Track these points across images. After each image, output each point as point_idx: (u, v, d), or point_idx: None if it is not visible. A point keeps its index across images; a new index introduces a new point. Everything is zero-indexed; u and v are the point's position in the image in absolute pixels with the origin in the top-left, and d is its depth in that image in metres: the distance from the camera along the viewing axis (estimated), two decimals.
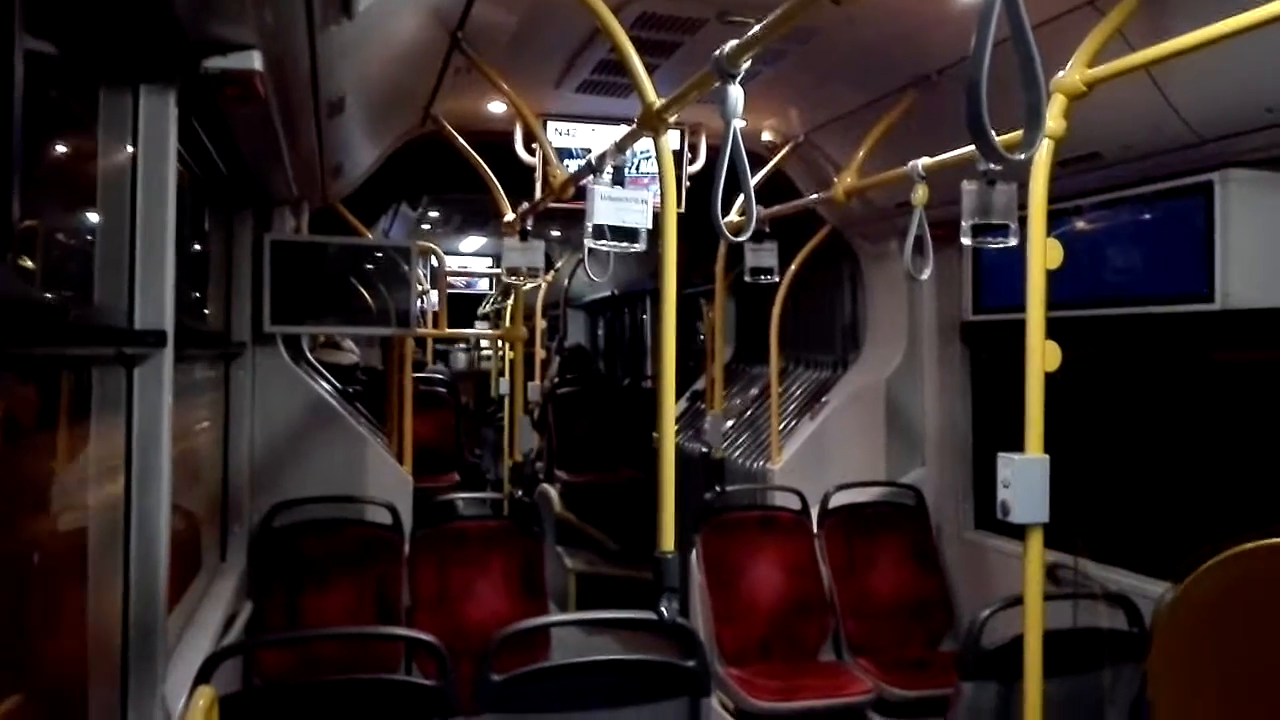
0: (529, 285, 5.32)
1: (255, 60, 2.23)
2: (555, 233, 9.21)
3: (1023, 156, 1.26)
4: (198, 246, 3.69)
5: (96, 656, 2.20)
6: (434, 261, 7.18)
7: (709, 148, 5.00)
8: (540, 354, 10.37)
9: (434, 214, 9.58)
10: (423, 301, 9.01)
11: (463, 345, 15.16)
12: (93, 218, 2.19)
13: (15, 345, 1.58)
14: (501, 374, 8.27)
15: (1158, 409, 3.96)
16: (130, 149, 2.19)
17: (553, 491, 7.94)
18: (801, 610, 4.65)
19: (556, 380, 9.91)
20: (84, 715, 2.16)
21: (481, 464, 10.46)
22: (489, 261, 12.02)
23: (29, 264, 1.87)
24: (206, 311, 4.00)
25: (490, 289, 12.39)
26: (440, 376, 10.12)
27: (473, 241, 11.63)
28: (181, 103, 2.28)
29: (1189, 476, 3.75)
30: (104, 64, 2.14)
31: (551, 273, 10.90)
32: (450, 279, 10.84)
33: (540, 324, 10.36)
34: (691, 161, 5.01)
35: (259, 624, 3.99)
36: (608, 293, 10.58)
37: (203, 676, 2.48)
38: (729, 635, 4.50)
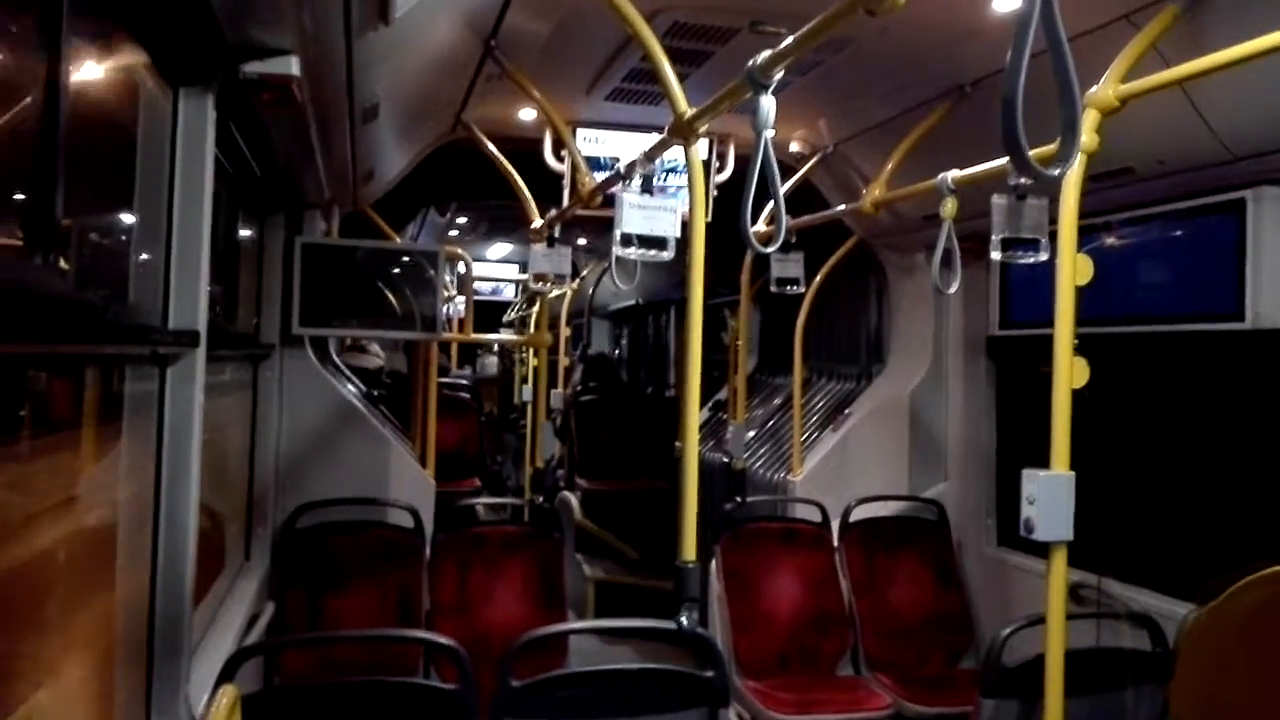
0: (555, 292, 5.34)
1: (293, 65, 2.26)
2: (582, 241, 9.23)
3: (1057, 172, 1.25)
4: (230, 248, 3.73)
5: (123, 652, 2.23)
6: (461, 268, 7.21)
7: (737, 157, 5.00)
8: (564, 361, 10.39)
9: (461, 220, 9.62)
10: (449, 307, 9.05)
11: (493, 350, 15.17)
12: (128, 218, 2.22)
13: (55, 342, 1.61)
14: (525, 380, 8.30)
15: (1185, 428, 3.92)
16: (168, 151, 2.22)
17: (573, 499, 7.95)
18: (821, 624, 4.63)
19: (580, 388, 9.92)
20: (109, 711, 2.18)
21: (503, 470, 10.48)
22: (515, 269, 12.06)
23: (64, 264, 1.90)
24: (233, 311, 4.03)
25: (516, 295, 12.42)
26: (464, 382, 10.16)
27: (499, 249, 11.67)
28: (219, 106, 2.31)
29: (1214, 497, 3.71)
30: (144, 66, 2.17)
31: (576, 281, 10.93)
32: (476, 285, 10.89)
33: (565, 332, 10.38)
34: (719, 171, 5.01)
35: (281, 624, 4.02)
36: (632, 302, 10.59)
37: (226, 675, 2.50)
38: (747, 647, 4.49)
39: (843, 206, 4.67)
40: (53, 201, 1.24)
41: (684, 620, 2.63)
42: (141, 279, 2.21)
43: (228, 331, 3.63)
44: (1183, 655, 0.95)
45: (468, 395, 9.09)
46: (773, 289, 4.84)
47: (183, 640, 2.30)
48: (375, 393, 6.20)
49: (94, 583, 2.17)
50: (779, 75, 2.13)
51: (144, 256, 2.23)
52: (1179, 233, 3.50)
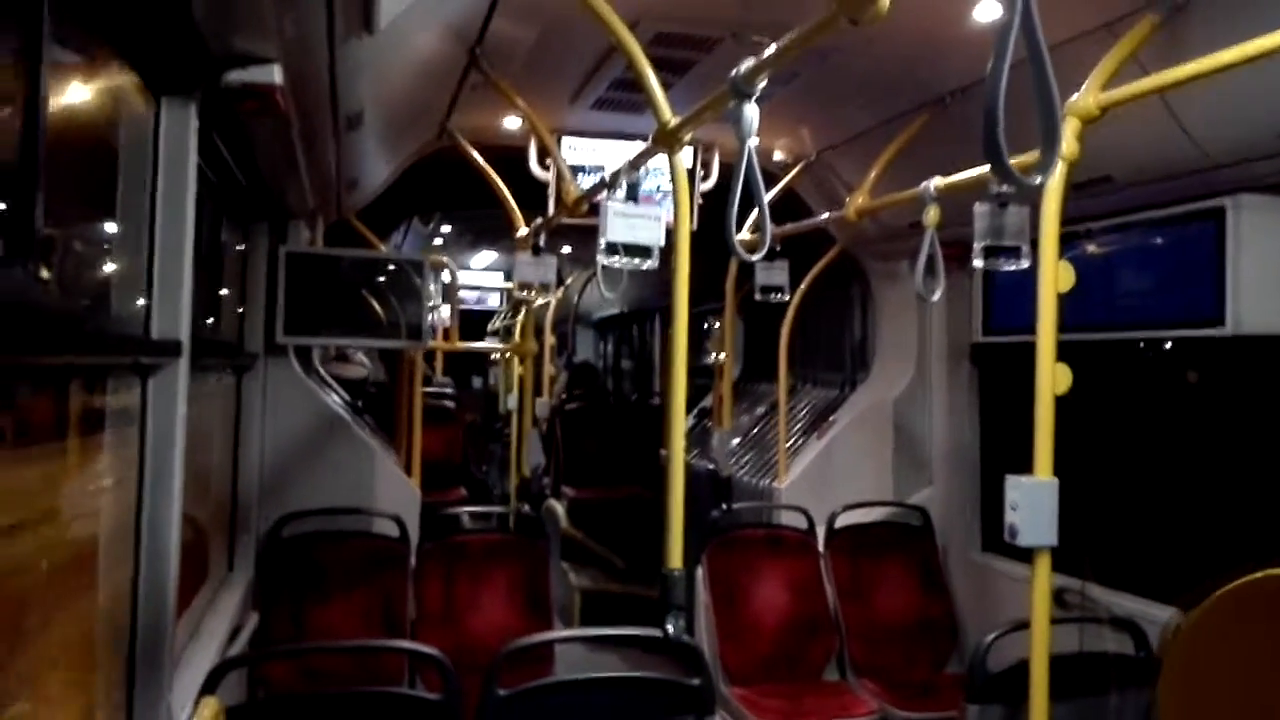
0: (540, 301, 5.33)
1: (275, 74, 2.25)
2: (567, 249, 9.24)
3: (1038, 180, 1.26)
4: (214, 258, 3.72)
5: (104, 665, 2.21)
6: (445, 277, 7.20)
7: (722, 165, 5.02)
8: (550, 370, 10.38)
9: (446, 229, 9.63)
10: (433, 316, 9.04)
11: (482, 369, 14.99)
12: (111, 228, 2.21)
13: (33, 353, 1.60)
14: (510, 390, 8.29)
15: (1168, 434, 3.95)
16: (150, 160, 2.21)
17: (559, 507, 7.93)
18: (807, 630, 4.64)
19: (565, 396, 9.91)
20: None
21: (489, 479, 10.45)
22: (500, 277, 12.06)
23: (44, 274, 1.89)
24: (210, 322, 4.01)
25: (501, 304, 12.41)
26: (449, 392, 10.13)
27: (484, 257, 11.67)
28: (202, 115, 2.30)
29: (1197, 502, 3.74)
30: (126, 76, 2.16)
31: (561, 289, 10.93)
32: (461, 294, 10.86)
33: (550, 340, 10.37)
34: (704, 179, 5.02)
35: (265, 635, 3.99)
36: (617, 310, 10.60)
37: (208, 687, 2.48)
38: (733, 654, 4.49)
39: (826, 215, 4.69)
40: (32, 211, 1.23)
41: (670, 628, 2.63)
42: (124, 289, 2.20)
43: (211, 341, 3.61)
44: (1166, 661, 0.96)
45: (452, 404, 9.07)
46: (757, 297, 4.85)
47: (164, 652, 2.28)
48: (360, 402, 6.18)
49: (75, 595, 2.15)
50: (762, 84, 2.14)
51: (126, 266, 2.22)
52: (1160, 240, 3.53)
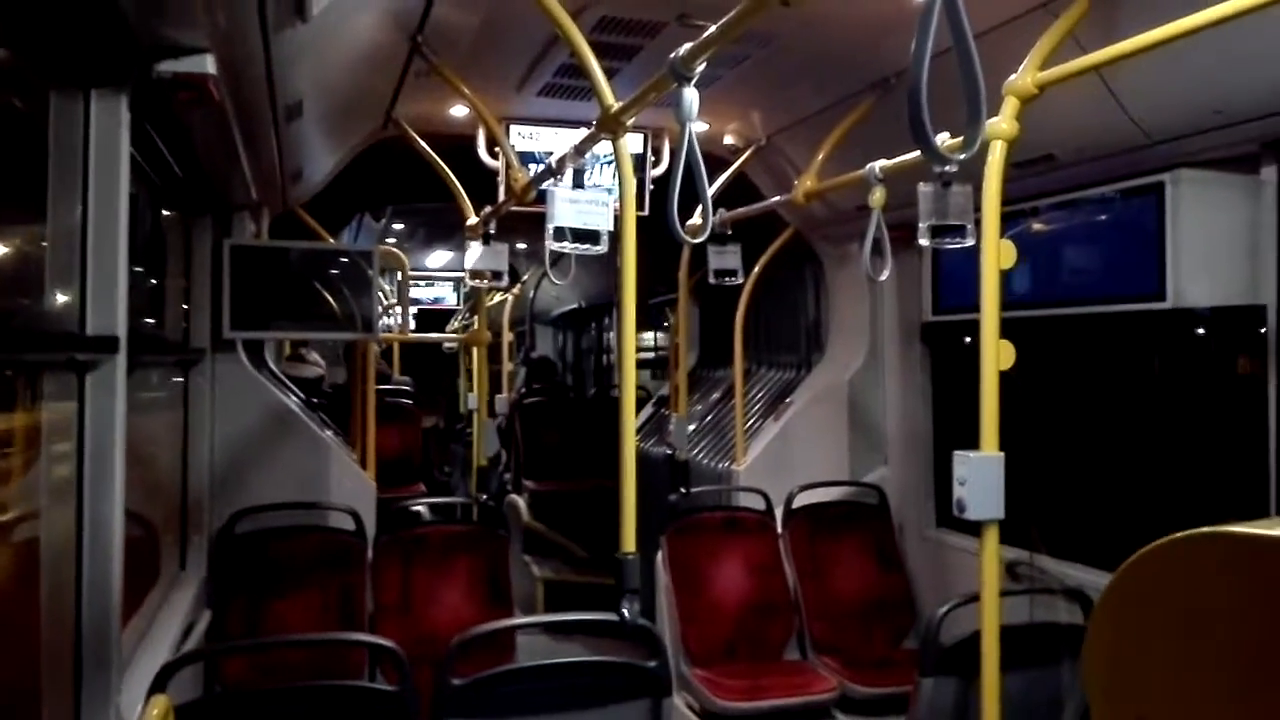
0: (496, 297, 5.31)
1: (208, 64, 2.21)
2: (521, 245, 9.19)
3: (963, 157, 1.28)
4: (155, 251, 3.65)
5: (49, 669, 2.17)
6: (399, 275, 7.15)
7: (672, 151, 5.01)
8: (507, 367, 10.35)
9: (398, 226, 9.52)
10: (388, 315, 8.98)
11: (444, 370, 14.78)
12: (43, 223, 2.16)
13: None
14: (470, 390, 8.26)
15: (1112, 406, 4.02)
16: (81, 153, 2.16)
17: (521, 501, 7.92)
18: (766, 610, 4.67)
19: (524, 391, 9.89)
20: None
21: (451, 480, 10.40)
22: (455, 278, 11.97)
23: None
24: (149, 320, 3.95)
25: (459, 303, 12.34)
26: (406, 389, 10.06)
27: (439, 256, 11.57)
28: (134, 107, 2.25)
29: (1142, 472, 3.82)
30: (53, 67, 2.12)
31: (517, 286, 10.88)
32: (417, 296, 10.78)
33: (508, 337, 10.34)
34: (655, 165, 5.02)
35: (219, 632, 3.95)
36: (574, 305, 10.59)
37: (158, 686, 2.45)
38: (695, 636, 4.52)
39: (776, 198, 4.71)
40: None
41: (626, 612, 2.64)
42: (56, 285, 2.15)
43: (152, 337, 3.55)
44: (1092, 624, 0.98)
45: (409, 402, 9.02)
46: (711, 280, 4.86)
47: (111, 653, 2.25)
48: (315, 401, 6.12)
49: (15, 599, 2.11)
50: (701, 67, 2.15)
51: (59, 262, 2.17)
52: (1102, 216, 3.58)
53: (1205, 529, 0.99)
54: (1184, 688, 0.96)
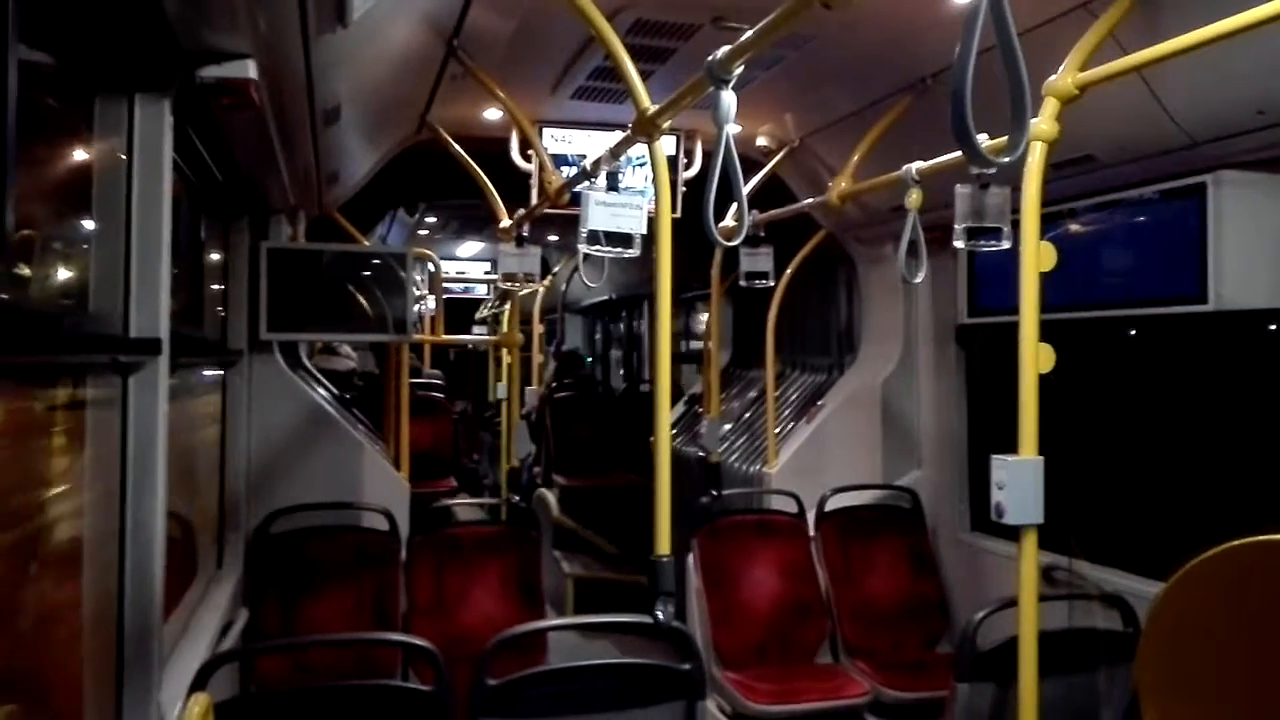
0: (525, 291, 5.33)
1: (250, 69, 2.24)
2: (553, 238, 9.22)
3: (1007, 160, 1.27)
4: (194, 255, 3.70)
5: (92, 665, 2.20)
6: (430, 268, 7.19)
7: (704, 153, 5.01)
8: (538, 358, 10.37)
9: (431, 220, 9.59)
10: (420, 307, 9.02)
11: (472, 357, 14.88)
12: (87, 226, 2.20)
13: (10, 353, 1.59)
14: (499, 379, 8.29)
15: (1152, 410, 3.97)
16: (125, 158, 2.20)
17: (550, 496, 7.94)
18: (798, 613, 4.66)
19: (554, 384, 9.92)
20: None
21: (479, 469, 10.45)
22: (486, 266, 12.03)
23: (26, 271, 1.88)
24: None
25: (489, 292, 12.39)
26: (437, 382, 10.12)
27: (470, 247, 11.63)
28: (177, 111, 2.29)
29: (1183, 477, 3.76)
30: (99, 73, 2.15)
31: (549, 278, 10.90)
32: (448, 284, 10.83)
33: (538, 328, 10.36)
34: (687, 167, 5.02)
35: (255, 631, 3.99)
36: (605, 297, 10.60)
37: (198, 683, 2.48)
38: (726, 639, 4.51)
39: (810, 200, 4.69)
40: (3, 211, 1.22)
41: (660, 614, 2.64)
42: (101, 288, 2.19)
43: (192, 338, 3.59)
44: (1146, 630, 0.97)
45: (441, 395, 9.06)
46: (742, 283, 4.85)
47: (153, 650, 2.28)
48: (347, 395, 6.17)
49: (60, 596, 2.14)
50: (739, 70, 2.13)
51: (104, 265, 2.20)
52: (1142, 218, 3.54)
53: (1260, 537, 0.97)
54: (1242, 690, 0.95)
